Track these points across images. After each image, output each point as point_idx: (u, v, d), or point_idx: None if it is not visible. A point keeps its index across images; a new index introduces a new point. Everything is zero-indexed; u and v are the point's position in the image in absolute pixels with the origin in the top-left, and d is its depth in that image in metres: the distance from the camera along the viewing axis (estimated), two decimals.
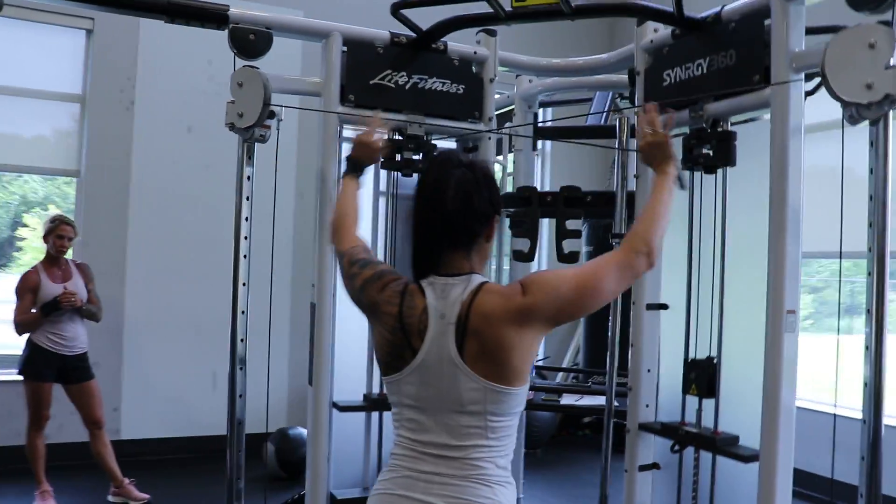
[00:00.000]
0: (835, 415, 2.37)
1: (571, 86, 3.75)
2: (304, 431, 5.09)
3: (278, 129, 2.88)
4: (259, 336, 2.99)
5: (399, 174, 3.15)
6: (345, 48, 2.97)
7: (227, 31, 2.80)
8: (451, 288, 1.63)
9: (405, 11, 2.84)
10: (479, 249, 1.71)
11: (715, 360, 2.68)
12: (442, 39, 3.09)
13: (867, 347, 2.19)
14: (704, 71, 2.70)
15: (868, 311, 2.20)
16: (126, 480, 4.47)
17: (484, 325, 1.57)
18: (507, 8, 2.70)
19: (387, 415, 3.19)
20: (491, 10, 2.76)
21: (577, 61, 3.37)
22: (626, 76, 3.39)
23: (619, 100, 3.26)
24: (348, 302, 1.83)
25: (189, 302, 5.58)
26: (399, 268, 3.11)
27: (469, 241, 1.68)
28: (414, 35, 3.04)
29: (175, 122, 5.56)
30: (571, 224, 3.16)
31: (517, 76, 3.72)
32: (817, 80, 2.35)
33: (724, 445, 2.61)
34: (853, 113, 2.18)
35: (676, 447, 2.78)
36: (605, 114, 3.94)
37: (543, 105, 3.85)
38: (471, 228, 1.67)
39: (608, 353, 3.01)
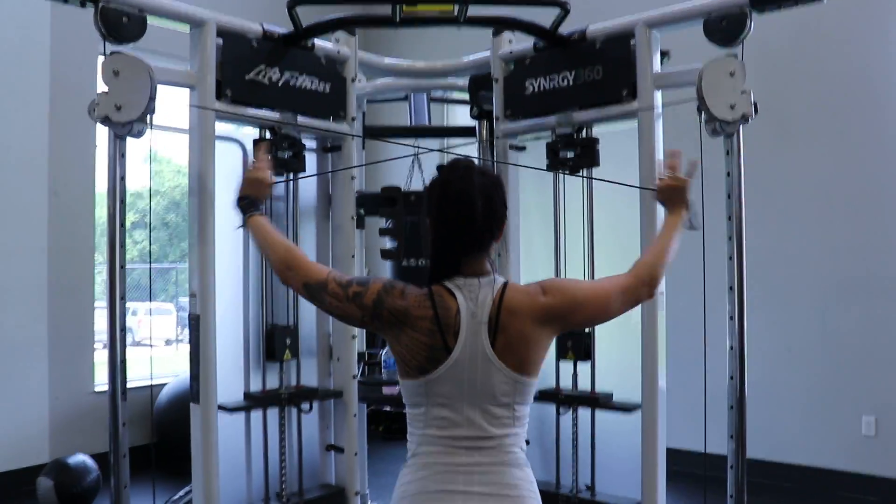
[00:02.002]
0: (705, 389, 2.84)
1: (403, 88, 3.89)
2: (86, 459, 4.57)
3: None
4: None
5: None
6: (219, 40, 2.78)
7: (94, 10, 2.47)
8: (478, 289, 1.72)
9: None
10: (491, 249, 1.83)
11: (588, 330, 3.06)
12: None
13: (731, 318, 2.70)
14: (570, 83, 3.03)
15: (731, 289, 2.71)
16: None
17: (513, 320, 1.70)
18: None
19: (271, 413, 3.05)
20: (377, 14, 2.82)
21: (437, 64, 3.52)
22: (468, 82, 3.64)
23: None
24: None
25: None
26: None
27: (490, 243, 1.79)
28: (282, 30, 2.95)
29: None
30: None
31: None
32: None
33: (605, 402, 3.00)
34: (717, 127, 2.66)
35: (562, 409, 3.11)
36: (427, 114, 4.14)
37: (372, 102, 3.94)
38: (492, 233, 1.78)
39: None
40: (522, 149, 3.33)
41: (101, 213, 5.71)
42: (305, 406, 3.10)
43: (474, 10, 2.79)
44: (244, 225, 2.06)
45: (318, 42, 3.08)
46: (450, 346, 1.68)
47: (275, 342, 2.97)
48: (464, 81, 3.83)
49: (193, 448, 2.77)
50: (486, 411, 1.69)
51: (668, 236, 1.97)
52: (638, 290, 1.85)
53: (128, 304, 6.63)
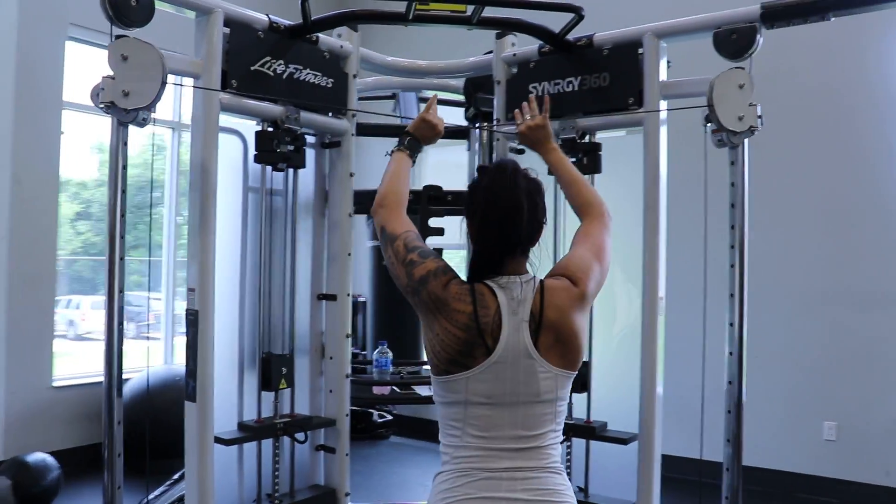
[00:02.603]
0: (703, 394, 2.90)
1: (396, 86, 3.86)
2: (46, 457, 4.41)
3: None
4: None
5: (270, 169, 2.97)
6: (226, 29, 2.71)
7: None
8: (517, 287, 1.74)
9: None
10: (530, 251, 1.84)
11: (586, 360, 3.07)
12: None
13: (731, 324, 2.75)
14: (576, 88, 3.05)
15: (731, 296, 2.77)
16: None
17: (558, 316, 1.72)
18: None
19: (266, 444, 2.98)
20: (389, 10, 2.79)
21: (439, 64, 3.50)
22: (463, 84, 3.64)
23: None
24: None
25: None
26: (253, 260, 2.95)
27: (530, 246, 1.81)
28: (288, 23, 2.90)
29: None
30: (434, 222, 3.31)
31: None
32: None
33: (600, 432, 3.03)
34: (723, 138, 2.72)
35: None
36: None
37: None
38: (533, 235, 1.81)
39: None
40: (521, 151, 3.33)
41: (65, 201, 5.53)
42: (300, 436, 3.05)
43: (486, 12, 2.78)
44: (392, 152, 2.04)
45: (322, 37, 3.04)
46: (489, 345, 1.67)
47: (271, 371, 2.91)
48: (457, 82, 3.84)
49: (188, 447, 2.69)
50: (528, 410, 1.70)
51: (570, 167, 2.11)
52: (609, 223, 1.96)
53: (71, 298, 6.42)
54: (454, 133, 3.87)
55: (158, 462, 3.59)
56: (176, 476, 3.87)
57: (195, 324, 2.67)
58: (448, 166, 4.59)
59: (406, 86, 3.91)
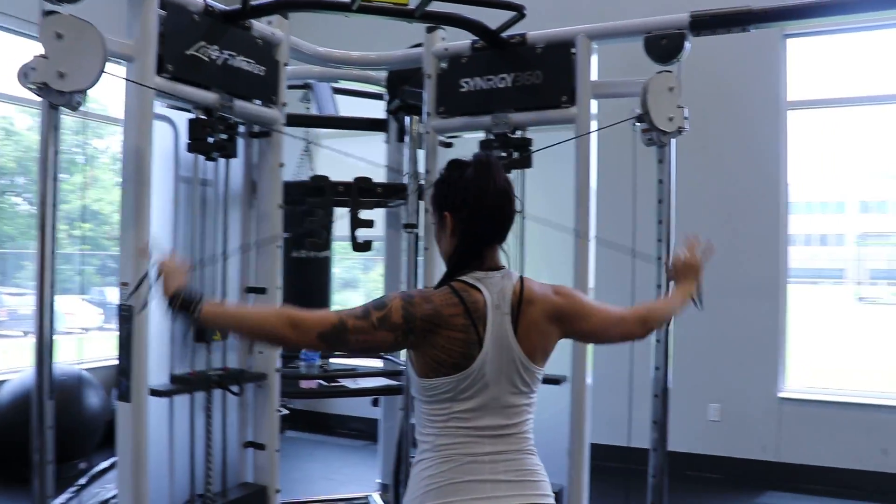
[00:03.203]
0: (630, 384, 3.05)
1: (316, 76, 3.80)
2: None
3: None
4: None
5: (203, 158, 2.85)
6: (161, 11, 2.58)
7: None
8: (498, 281, 1.78)
9: None
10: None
11: None
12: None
13: None
14: (509, 84, 3.13)
15: (658, 287, 2.94)
16: None
17: (533, 312, 1.78)
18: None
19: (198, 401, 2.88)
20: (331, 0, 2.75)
21: (370, 55, 3.46)
22: (387, 77, 3.64)
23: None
24: None
25: None
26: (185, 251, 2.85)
27: (506, 237, 1.86)
28: (222, 6, 2.80)
29: None
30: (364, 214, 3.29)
31: None
32: None
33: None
34: (653, 137, 2.88)
35: None
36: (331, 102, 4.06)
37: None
38: (511, 226, 1.85)
39: None
40: (450, 145, 3.38)
41: None
42: (235, 388, 2.95)
43: (428, 6, 2.80)
44: (194, 321, 1.77)
45: (255, 23, 2.94)
46: (482, 339, 1.71)
47: None
48: (377, 74, 3.83)
49: (120, 450, 2.56)
50: (507, 400, 1.74)
51: (674, 304, 2.12)
52: (633, 325, 1.96)
53: None
54: (372, 124, 3.87)
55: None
56: (83, 480, 3.64)
57: (129, 320, 2.54)
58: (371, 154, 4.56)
59: (324, 76, 3.85)
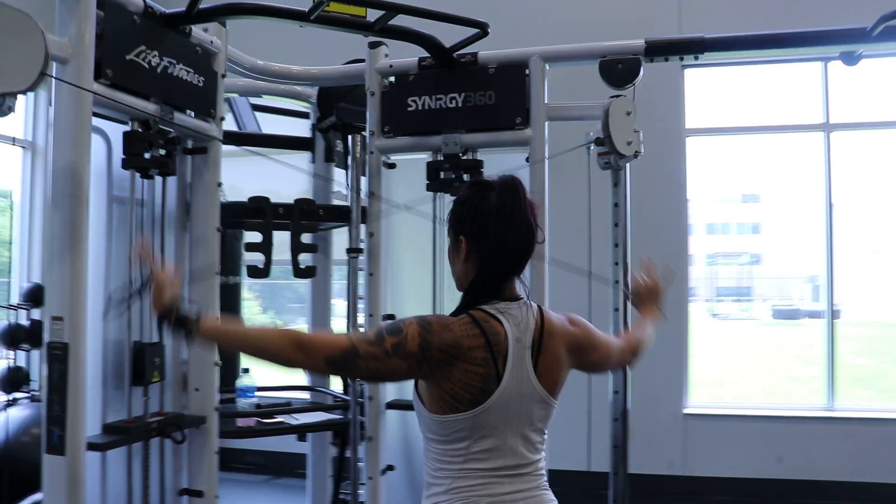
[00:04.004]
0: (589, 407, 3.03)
1: (242, 90, 3.55)
2: None
3: None
4: None
5: (138, 176, 2.56)
6: (100, 12, 2.30)
7: None
8: (517, 312, 1.70)
9: None
10: None
11: None
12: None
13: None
14: (459, 104, 3.04)
15: (616, 310, 2.94)
16: None
17: (553, 345, 1.72)
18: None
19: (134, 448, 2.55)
20: (287, 8, 2.58)
21: (311, 70, 3.25)
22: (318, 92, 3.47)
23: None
24: None
25: None
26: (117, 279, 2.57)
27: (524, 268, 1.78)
28: (164, 9, 2.55)
29: None
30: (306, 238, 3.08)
31: None
32: None
33: None
34: (610, 161, 2.89)
35: None
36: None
37: None
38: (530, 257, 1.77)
39: None
40: (393, 166, 3.25)
41: None
42: (178, 435, 2.65)
43: (379, 19, 2.66)
44: (192, 338, 1.65)
45: (195, 29, 2.70)
46: (500, 374, 1.62)
47: (144, 362, 2.51)
48: (304, 89, 3.64)
49: None
50: (525, 438, 1.67)
51: (648, 330, 2.08)
52: (627, 353, 1.97)
53: None
54: (299, 143, 3.67)
55: None
56: None
57: (63, 359, 2.21)
58: (283, 175, 4.34)
59: (248, 90, 3.60)
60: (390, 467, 3.15)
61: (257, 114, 4.10)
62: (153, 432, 2.55)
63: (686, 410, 5.16)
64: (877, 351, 9.58)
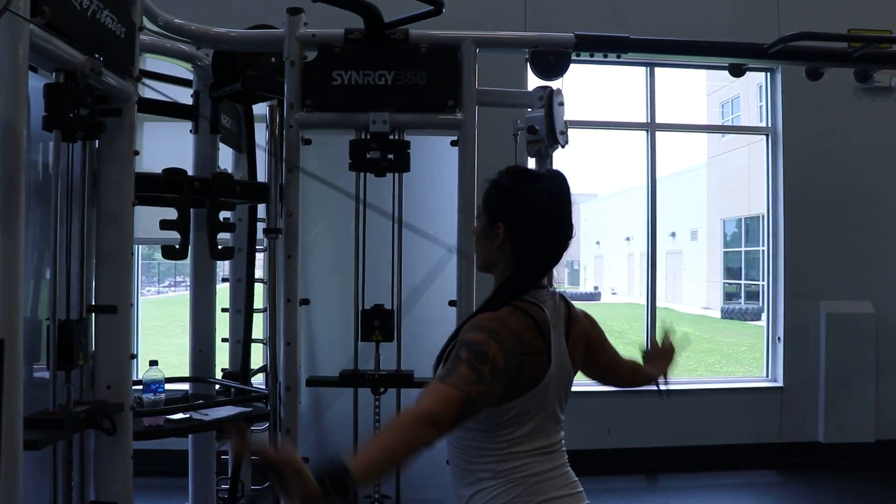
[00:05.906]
0: None
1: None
2: None
3: None
4: None
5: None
6: None
7: None
8: (550, 300, 1.79)
9: None
10: None
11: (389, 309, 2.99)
12: None
13: None
14: (389, 82, 2.95)
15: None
16: None
17: (576, 331, 1.84)
18: None
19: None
20: None
21: (231, 33, 2.91)
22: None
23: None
24: None
25: None
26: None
27: None
28: None
29: None
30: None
31: None
32: None
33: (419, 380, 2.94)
34: (541, 149, 2.98)
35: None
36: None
37: None
38: None
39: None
40: (308, 142, 3.06)
41: None
42: (107, 423, 2.28)
43: None
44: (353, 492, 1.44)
45: None
46: (550, 359, 1.69)
47: (73, 342, 2.15)
48: (190, 49, 3.31)
49: None
50: (555, 418, 1.76)
51: (652, 375, 2.09)
52: (627, 373, 2.03)
53: None
54: (182, 110, 3.36)
55: None
56: None
57: None
58: (163, 145, 3.92)
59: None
60: (305, 459, 2.98)
61: None
62: (82, 423, 2.20)
63: None
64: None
